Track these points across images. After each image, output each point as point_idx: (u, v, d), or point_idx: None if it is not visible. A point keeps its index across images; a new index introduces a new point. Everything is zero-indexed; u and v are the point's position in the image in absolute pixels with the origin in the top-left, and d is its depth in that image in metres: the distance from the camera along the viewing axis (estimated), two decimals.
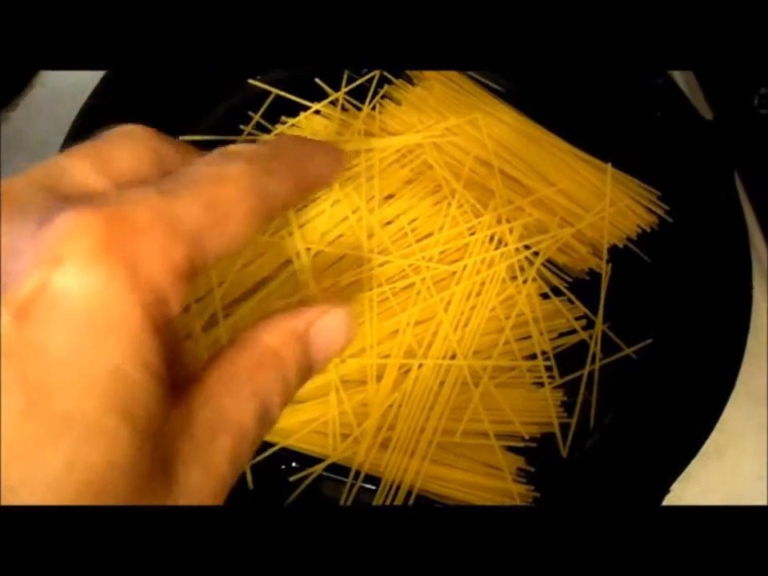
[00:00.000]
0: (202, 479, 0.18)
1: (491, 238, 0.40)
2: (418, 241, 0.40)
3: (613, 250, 0.42)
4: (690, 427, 0.37)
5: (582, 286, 0.42)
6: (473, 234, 0.40)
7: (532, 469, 0.38)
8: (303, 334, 0.21)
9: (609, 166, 0.42)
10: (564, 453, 0.38)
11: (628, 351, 0.40)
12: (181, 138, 0.43)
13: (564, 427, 0.39)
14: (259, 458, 0.36)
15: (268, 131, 0.43)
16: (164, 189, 0.18)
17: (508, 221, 0.41)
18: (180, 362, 0.26)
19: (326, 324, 0.21)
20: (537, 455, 0.38)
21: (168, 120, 0.44)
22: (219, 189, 0.18)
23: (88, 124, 0.40)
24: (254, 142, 0.43)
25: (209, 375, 0.19)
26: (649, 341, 0.40)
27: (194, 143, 0.43)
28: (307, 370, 0.21)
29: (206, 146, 0.43)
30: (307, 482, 0.36)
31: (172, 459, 0.17)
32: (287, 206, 0.21)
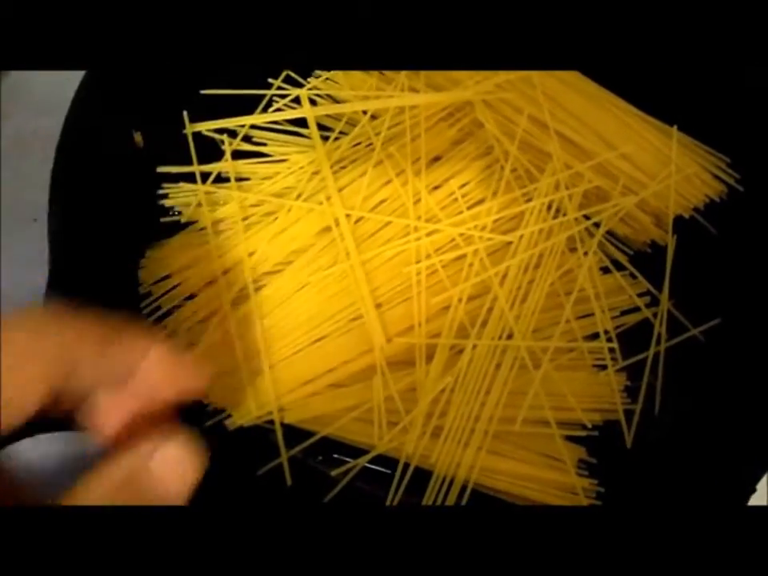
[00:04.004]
0: None
1: (549, 206, 0.35)
2: (469, 208, 0.35)
3: (677, 220, 0.37)
4: None
5: (644, 260, 0.36)
6: (529, 200, 0.35)
7: (594, 460, 0.33)
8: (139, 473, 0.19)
9: (674, 129, 0.37)
10: (628, 442, 0.33)
11: (695, 332, 0.35)
12: (202, 92, 0.37)
13: (627, 414, 0.34)
14: (297, 449, 0.31)
15: (300, 86, 0.37)
16: None
17: (567, 187, 0.35)
18: None
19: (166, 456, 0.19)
20: (599, 445, 0.33)
21: (188, 72, 0.38)
22: None
23: (102, 76, 0.35)
24: (284, 97, 0.37)
25: None
26: (717, 320, 0.35)
27: (218, 98, 0.37)
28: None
29: (231, 102, 0.37)
30: (351, 475, 0.31)
31: None
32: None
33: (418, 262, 0.33)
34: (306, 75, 0.38)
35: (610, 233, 0.36)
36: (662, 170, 0.36)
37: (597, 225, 0.35)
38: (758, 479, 0.31)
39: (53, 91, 0.41)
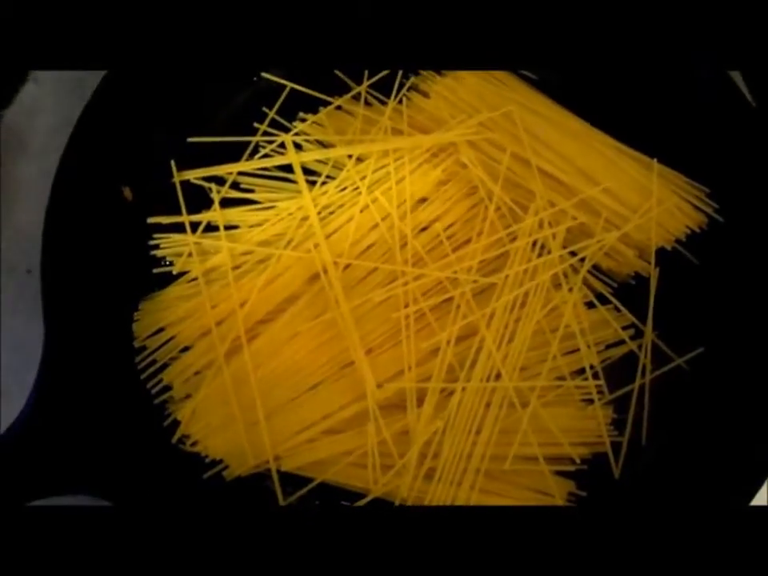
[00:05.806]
0: None
1: (533, 244, 0.35)
2: (454, 250, 0.35)
3: (659, 252, 0.37)
4: (755, 444, 0.33)
5: (627, 292, 0.37)
6: (513, 240, 0.35)
7: (583, 493, 0.34)
8: None
9: (655, 161, 0.37)
10: (616, 474, 0.34)
11: (679, 361, 0.36)
12: (189, 140, 0.37)
13: (615, 446, 0.34)
14: (295, 496, 0.32)
15: (286, 130, 0.38)
16: None
17: (550, 225, 0.36)
18: None
19: None
20: (587, 478, 0.34)
21: (174, 119, 0.38)
22: None
23: (91, 126, 0.35)
24: (271, 142, 0.38)
25: None
26: (700, 350, 0.36)
27: (204, 146, 0.37)
28: None
29: (218, 149, 0.37)
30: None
31: None
32: None
33: (406, 306, 0.34)
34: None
35: (594, 266, 0.37)
36: (643, 203, 0.37)
37: (581, 260, 0.36)
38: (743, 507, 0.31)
39: (47, 140, 0.41)
